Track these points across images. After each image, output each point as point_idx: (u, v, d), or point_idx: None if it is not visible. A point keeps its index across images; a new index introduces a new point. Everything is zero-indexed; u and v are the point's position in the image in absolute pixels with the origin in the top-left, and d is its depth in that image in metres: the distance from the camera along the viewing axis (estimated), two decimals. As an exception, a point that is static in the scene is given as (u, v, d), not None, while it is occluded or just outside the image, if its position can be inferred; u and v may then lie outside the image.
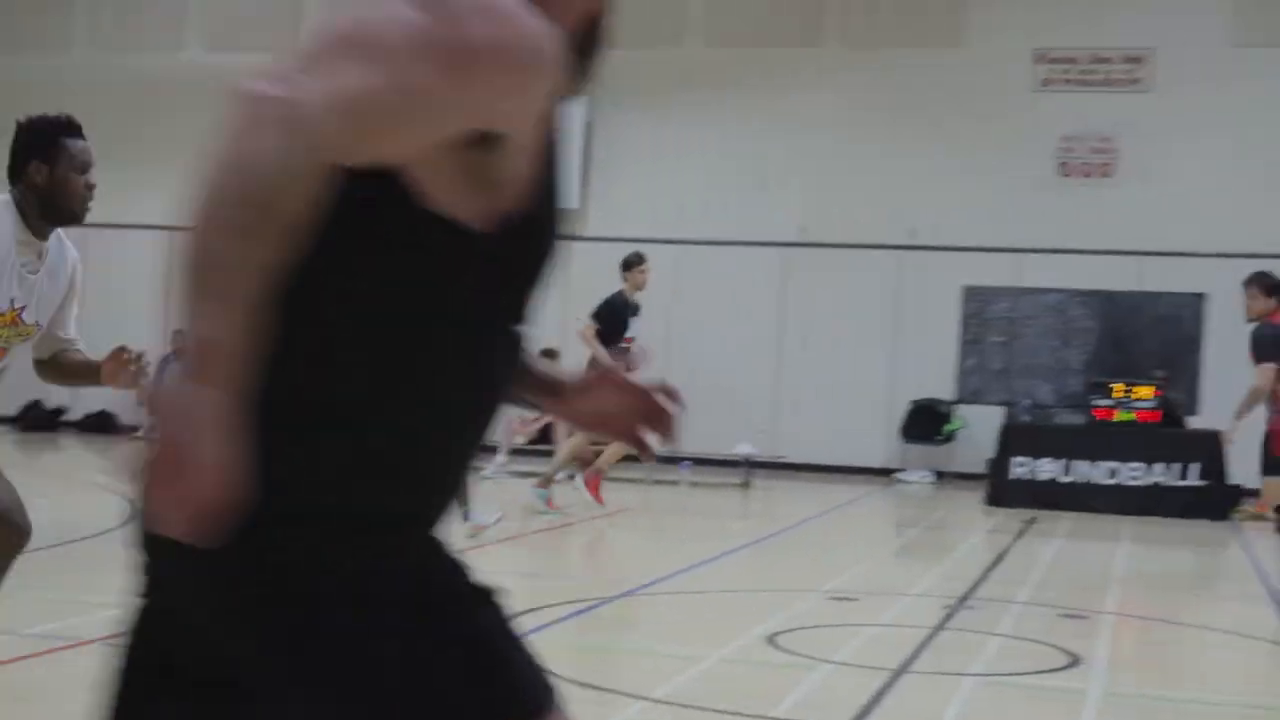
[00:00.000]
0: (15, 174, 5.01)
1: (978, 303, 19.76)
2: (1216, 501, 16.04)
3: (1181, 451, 16.28)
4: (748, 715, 6.32)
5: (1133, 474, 16.31)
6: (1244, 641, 8.95)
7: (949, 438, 19.53)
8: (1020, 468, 16.62)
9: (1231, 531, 15.15)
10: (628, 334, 14.10)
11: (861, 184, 19.97)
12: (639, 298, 13.98)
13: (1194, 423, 17.69)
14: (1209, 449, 16.19)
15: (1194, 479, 16.19)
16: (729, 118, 20.56)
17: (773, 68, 20.34)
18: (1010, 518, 15.32)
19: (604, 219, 20.31)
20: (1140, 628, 9.53)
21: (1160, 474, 16.28)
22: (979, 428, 19.04)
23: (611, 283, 13.61)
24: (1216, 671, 8.45)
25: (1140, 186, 19.13)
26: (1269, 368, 11.39)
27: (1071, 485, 16.43)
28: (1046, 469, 16.52)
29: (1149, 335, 19.23)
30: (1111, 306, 19.34)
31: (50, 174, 4.94)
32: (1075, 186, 19.39)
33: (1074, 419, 18.27)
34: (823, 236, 20.15)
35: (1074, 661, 7.79)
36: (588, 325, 13.93)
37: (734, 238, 20.42)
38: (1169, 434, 16.53)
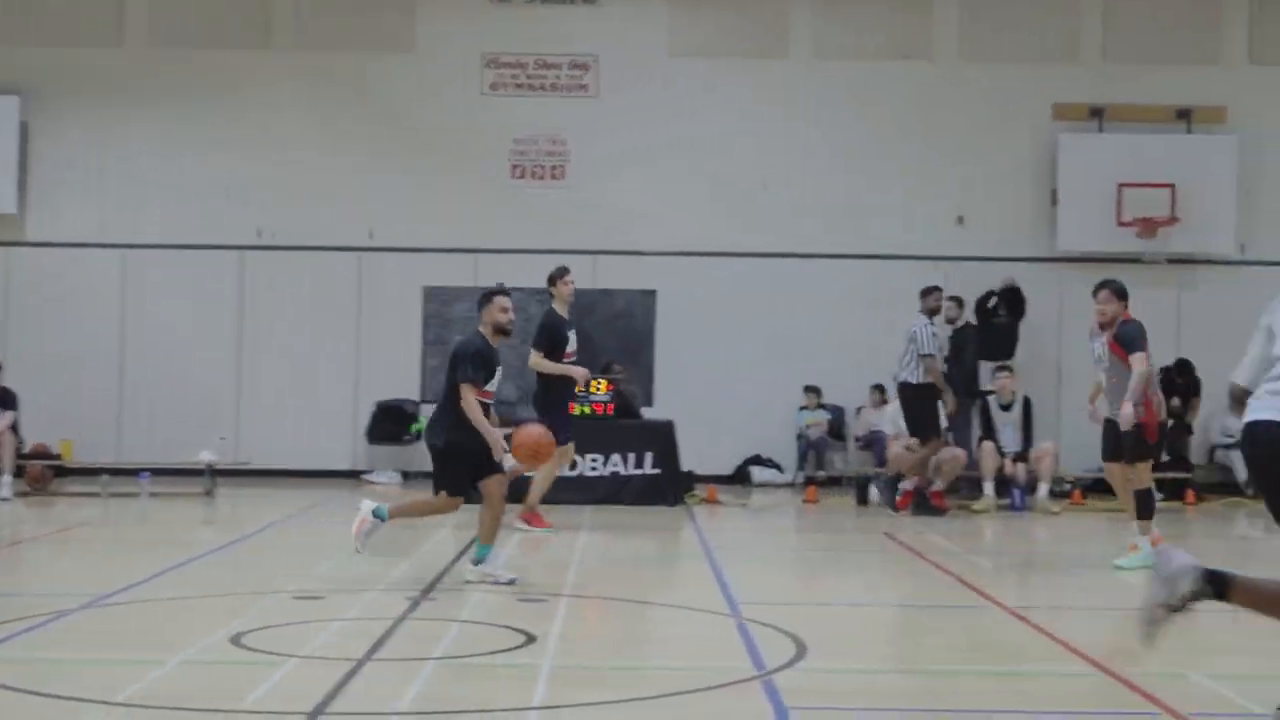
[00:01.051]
0: None
1: (438, 303, 20.34)
2: (671, 488, 17.16)
3: (638, 441, 17.31)
4: (209, 711, 6.52)
5: (593, 465, 17.22)
6: (695, 614, 9.76)
7: (416, 437, 20.00)
8: (485, 463, 17.23)
9: (685, 515, 16.24)
10: (569, 348, 14.34)
11: (319, 186, 20.21)
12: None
13: (649, 414, 18.86)
14: (663, 438, 17.32)
15: (649, 468, 17.24)
16: (182, 119, 20.37)
17: (225, 69, 20.29)
18: (475, 512, 15.88)
19: (46, 223, 19.79)
20: (595, 606, 10.22)
21: (618, 463, 17.25)
22: (445, 426, 19.57)
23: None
24: (669, 641, 9.20)
25: (591, 188, 20.19)
26: (1142, 356, 12.16)
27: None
28: (509, 464, 17.18)
29: (606, 331, 20.29)
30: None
31: None
32: (529, 188, 20.26)
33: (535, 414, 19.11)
34: (281, 239, 20.26)
35: (530, 640, 8.35)
36: (534, 356, 14.23)
37: (190, 241, 20.24)
38: (625, 425, 17.53)
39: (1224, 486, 19.26)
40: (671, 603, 10.39)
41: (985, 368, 19.02)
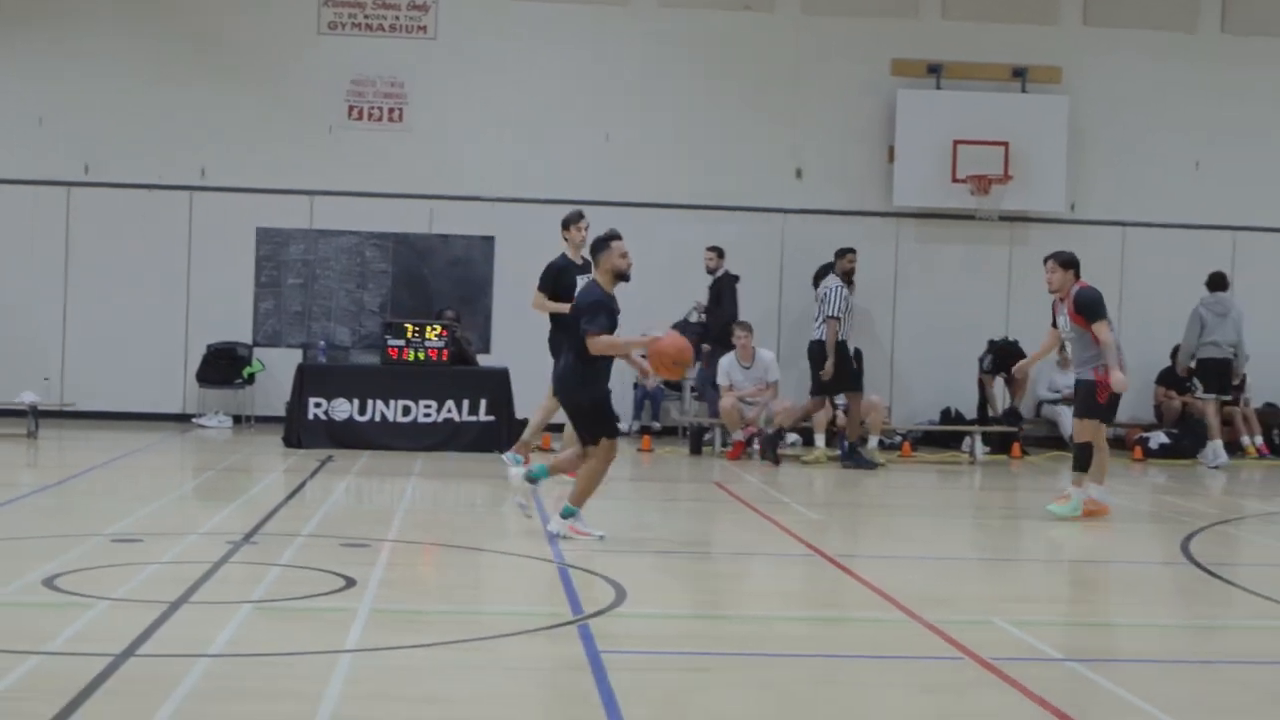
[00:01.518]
0: None
1: (272, 245, 20.14)
2: (505, 435, 17.21)
3: (472, 389, 17.34)
4: (18, 653, 6.48)
5: (426, 411, 17.22)
6: (518, 560, 9.85)
7: (248, 380, 19.83)
8: (317, 408, 17.18)
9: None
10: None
11: (149, 122, 19.85)
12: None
13: (486, 360, 18.89)
14: (498, 386, 17.37)
15: (484, 415, 17.28)
16: (5, 52, 19.89)
17: (58, 3, 19.83)
18: (308, 458, 15.87)
19: None
20: (419, 552, 10.27)
21: (452, 410, 17.26)
22: (278, 370, 19.46)
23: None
24: (489, 587, 9.30)
25: (430, 132, 20.08)
26: (1105, 324, 12.60)
27: (368, 424, 17.15)
28: (342, 409, 17.17)
29: (442, 277, 20.25)
30: (406, 249, 20.22)
31: None
32: (366, 130, 20.09)
33: (370, 359, 19.09)
34: (109, 176, 19.90)
35: (349, 584, 8.39)
36: (536, 297, 14.15)
37: (12, 175, 19.79)
38: (460, 372, 17.55)
39: (1050, 440, 19.80)
40: (496, 549, 10.47)
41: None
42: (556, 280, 14.09)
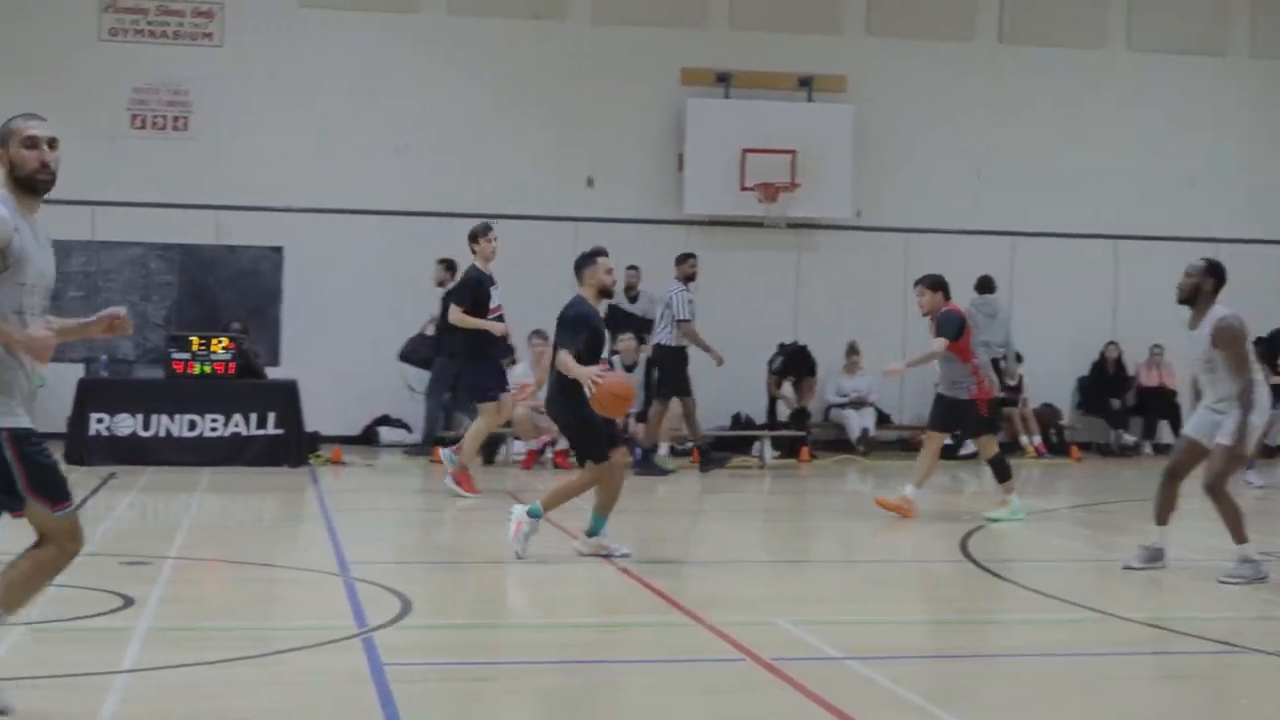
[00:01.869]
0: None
1: (55, 256, 19.61)
2: (294, 448, 17.04)
3: (260, 402, 17.12)
4: None
5: (213, 425, 16.95)
6: (304, 575, 9.79)
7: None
8: (99, 424, 16.81)
9: (307, 476, 16.15)
10: (492, 304, 13.92)
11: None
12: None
13: (276, 373, 18.66)
14: (286, 398, 17.18)
15: (272, 428, 17.07)
16: None
17: None
18: (90, 475, 15.49)
19: None
20: (202, 569, 10.14)
21: (239, 424, 17.02)
22: (59, 385, 18.94)
23: None
24: (273, 602, 9.21)
25: (216, 140, 19.77)
26: (943, 341, 13.04)
27: (153, 439, 16.81)
28: (126, 424, 16.81)
29: (229, 289, 19.96)
30: (191, 260, 19.89)
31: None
32: (150, 139, 19.71)
33: (155, 373, 18.73)
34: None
35: (128, 603, 8.26)
36: (454, 311, 13.92)
37: None
38: (246, 385, 17.30)
39: (838, 444, 20.18)
40: (282, 564, 10.39)
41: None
42: (475, 293, 14.06)
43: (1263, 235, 21.76)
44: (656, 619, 8.56)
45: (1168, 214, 21.47)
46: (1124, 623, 8.64)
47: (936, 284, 13.35)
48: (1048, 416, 20.71)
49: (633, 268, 19.45)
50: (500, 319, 14.31)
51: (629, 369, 18.23)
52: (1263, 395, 10.02)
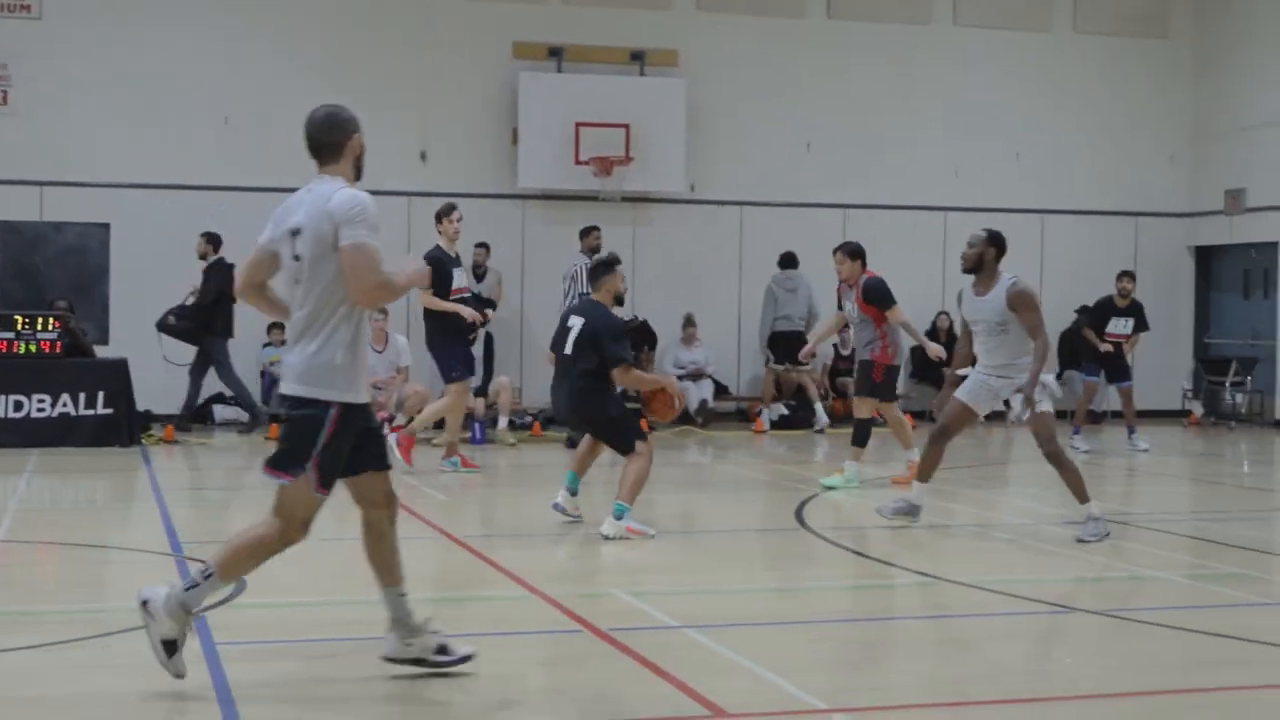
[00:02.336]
0: None
1: None
2: (125, 428, 16.75)
3: (88, 381, 16.78)
4: None
5: (40, 406, 16.59)
6: (135, 555, 9.64)
7: None
8: (-79, 407, 16.36)
9: (139, 456, 15.88)
10: (455, 284, 13.95)
11: None
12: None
13: (105, 351, 18.28)
14: (117, 377, 16.86)
15: (101, 408, 16.75)
16: None
17: None
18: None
19: None
20: (31, 551, 9.92)
21: (68, 404, 16.68)
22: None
23: None
24: (100, 584, 9.05)
25: (38, 115, 19.26)
26: (898, 308, 13.41)
27: (-22, 422, 16.42)
28: (-51, 407, 16.38)
29: (55, 266, 19.50)
30: (14, 237, 19.39)
31: None
32: (-33, 114, 19.18)
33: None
34: None
35: (-51, 588, 8.06)
36: (422, 294, 13.90)
37: None
38: (75, 364, 16.96)
39: (680, 417, 20.25)
40: (114, 544, 10.21)
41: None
42: (435, 273, 13.71)
43: (1086, 206, 22.30)
44: (496, 593, 8.58)
45: (995, 186, 21.91)
46: (955, 586, 8.83)
47: (855, 252, 13.70)
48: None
49: (481, 245, 19.39)
50: (465, 300, 14.28)
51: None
52: (1051, 355, 10.70)
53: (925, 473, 10.93)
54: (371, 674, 6.59)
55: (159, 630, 6.13)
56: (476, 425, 17.63)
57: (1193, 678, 6.80)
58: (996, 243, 10.68)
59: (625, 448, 10.62)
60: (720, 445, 18.09)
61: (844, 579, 9.52)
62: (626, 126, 20.29)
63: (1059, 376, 21.41)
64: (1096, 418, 20.76)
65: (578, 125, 20.17)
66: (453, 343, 14.26)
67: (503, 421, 17.72)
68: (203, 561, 6.56)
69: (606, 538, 10.39)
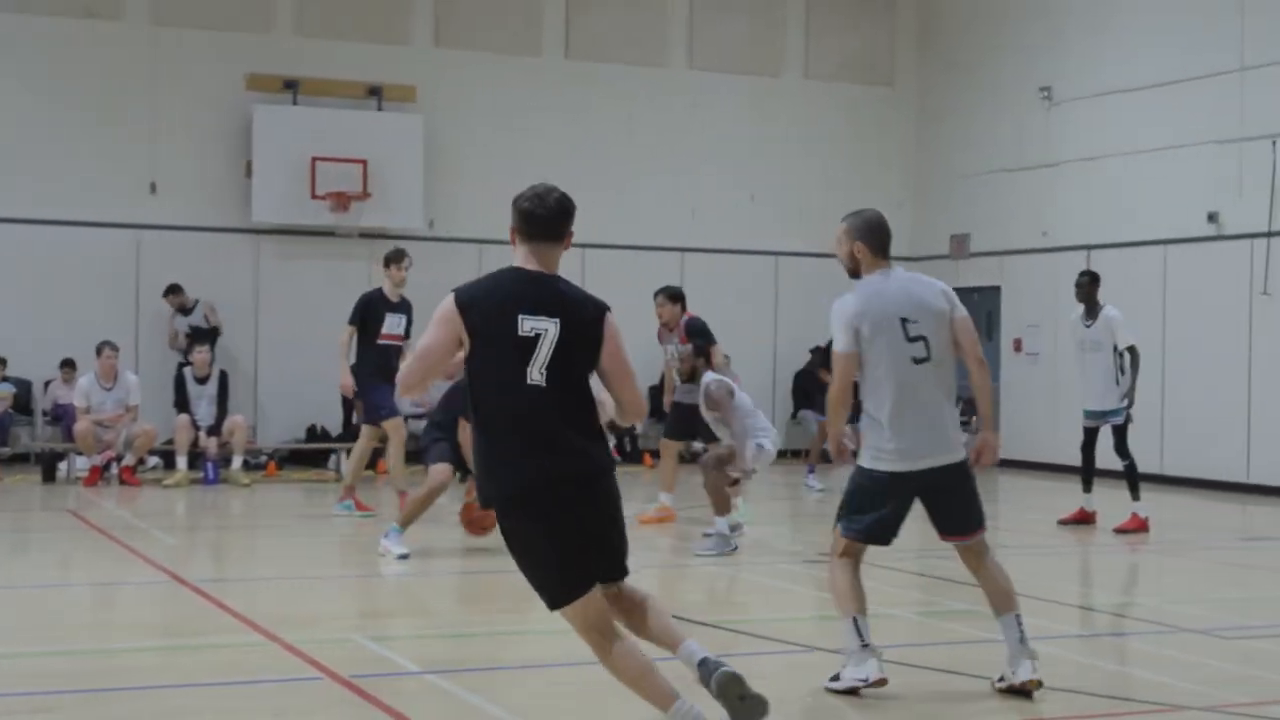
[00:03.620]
0: None
1: None
2: None
3: None
4: None
5: None
6: None
7: None
8: None
9: None
10: (387, 330, 13.83)
11: None
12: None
13: None
14: None
15: None
16: None
17: None
18: None
19: None
20: None
21: None
22: None
23: None
24: None
25: None
26: (718, 349, 13.49)
27: None
28: None
29: None
30: None
31: None
32: None
33: None
34: None
35: None
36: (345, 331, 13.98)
37: None
38: None
39: (412, 455, 20.04)
40: None
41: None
42: (363, 313, 13.87)
43: (818, 249, 22.79)
44: (232, 639, 8.36)
45: (728, 228, 22.30)
46: (698, 627, 8.91)
47: (675, 295, 14.25)
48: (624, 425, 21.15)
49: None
50: (399, 349, 13.88)
51: (202, 381, 17.72)
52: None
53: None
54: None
55: None
56: (209, 465, 17.21)
57: (923, 715, 6.96)
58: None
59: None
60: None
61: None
62: (364, 162, 20.09)
63: (794, 416, 21.97)
64: (827, 456, 21.19)
65: (314, 159, 19.88)
66: (380, 383, 13.77)
67: (237, 461, 17.33)
68: None
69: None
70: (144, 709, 6.75)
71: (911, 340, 7.11)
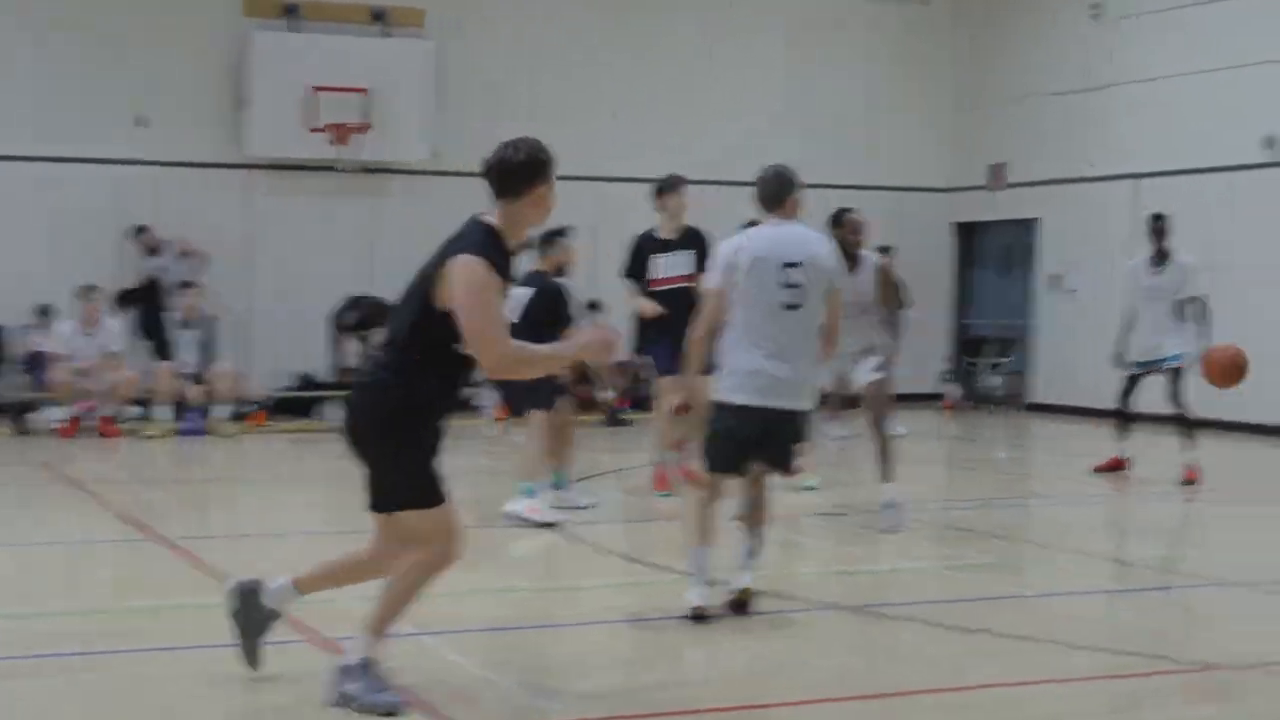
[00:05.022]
0: None
1: None
2: None
3: None
4: None
5: None
6: None
7: None
8: None
9: None
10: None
11: None
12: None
13: None
14: None
15: None
16: None
17: None
18: None
19: None
20: None
21: None
22: None
23: None
24: None
25: None
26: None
27: None
28: None
29: None
30: None
31: None
32: None
33: None
34: None
35: None
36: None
37: None
38: None
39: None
40: None
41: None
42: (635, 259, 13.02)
43: (850, 181, 22.51)
44: (203, 599, 8.29)
45: (762, 159, 22.01)
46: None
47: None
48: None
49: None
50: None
51: (187, 325, 17.65)
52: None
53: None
54: (54, 693, 6.33)
55: None
56: (192, 414, 17.10)
57: (942, 675, 6.88)
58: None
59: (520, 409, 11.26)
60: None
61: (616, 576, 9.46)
62: (366, 91, 19.92)
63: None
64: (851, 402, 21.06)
65: (314, 89, 19.70)
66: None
67: (223, 410, 17.23)
68: None
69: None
70: (111, 674, 6.73)
71: (787, 287, 7.70)
